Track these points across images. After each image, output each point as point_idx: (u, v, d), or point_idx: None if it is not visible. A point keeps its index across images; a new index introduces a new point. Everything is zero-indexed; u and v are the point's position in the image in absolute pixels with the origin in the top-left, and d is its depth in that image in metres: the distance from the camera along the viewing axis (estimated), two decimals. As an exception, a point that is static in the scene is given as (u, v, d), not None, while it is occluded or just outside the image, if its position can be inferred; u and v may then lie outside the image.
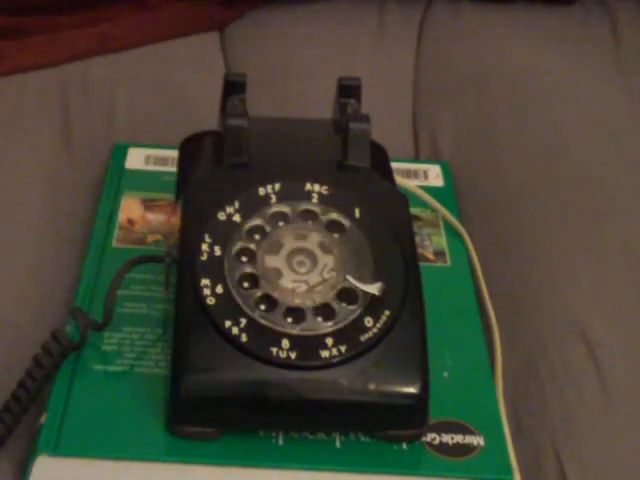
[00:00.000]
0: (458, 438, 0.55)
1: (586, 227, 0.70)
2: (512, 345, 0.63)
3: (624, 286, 0.66)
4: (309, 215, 0.57)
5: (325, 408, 0.53)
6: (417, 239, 0.65)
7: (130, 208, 0.69)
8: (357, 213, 0.57)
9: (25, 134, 0.76)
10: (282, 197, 0.57)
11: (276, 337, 0.53)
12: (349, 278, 0.54)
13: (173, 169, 0.65)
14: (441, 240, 0.68)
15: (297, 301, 0.54)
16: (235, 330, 0.53)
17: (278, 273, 0.55)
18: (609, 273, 0.67)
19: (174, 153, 0.66)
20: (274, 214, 0.57)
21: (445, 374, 0.58)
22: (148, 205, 0.69)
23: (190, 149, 0.64)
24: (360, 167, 0.60)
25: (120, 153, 0.74)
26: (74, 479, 0.52)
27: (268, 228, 0.56)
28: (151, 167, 0.73)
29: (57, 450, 0.53)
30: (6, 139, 0.75)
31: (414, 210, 0.69)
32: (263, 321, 0.53)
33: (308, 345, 0.53)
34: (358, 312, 0.54)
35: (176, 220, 0.59)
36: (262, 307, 0.54)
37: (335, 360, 0.52)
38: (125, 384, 0.56)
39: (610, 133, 0.79)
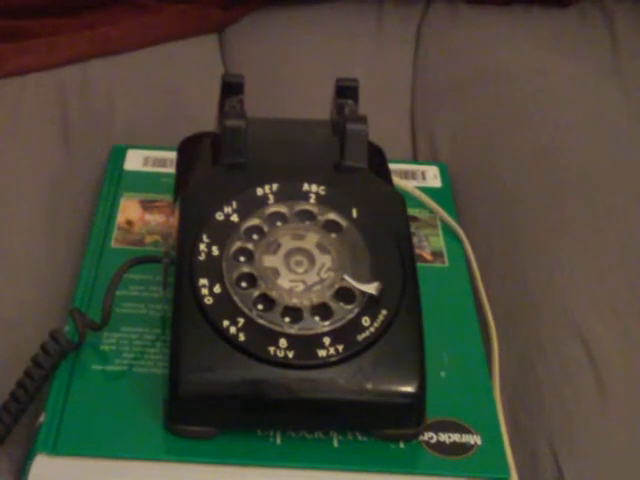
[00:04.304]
0: (455, 437, 0.55)
1: (584, 227, 0.70)
2: (509, 345, 0.63)
3: (621, 286, 0.66)
4: (307, 215, 0.57)
5: (322, 407, 0.53)
6: (415, 240, 0.65)
7: (129, 209, 0.69)
8: (354, 213, 0.57)
9: (24, 136, 0.76)
10: (280, 197, 0.57)
11: (274, 336, 0.53)
12: (346, 278, 0.54)
13: (171, 170, 0.65)
14: (439, 241, 0.68)
15: (295, 301, 0.54)
16: (233, 329, 0.53)
17: (276, 273, 0.55)
18: (606, 273, 0.67)
19: (172, 154, 0.66)
20: (272, 214, 0.57)
21: (442, 373, 0.58)
22: (147, 206, 0.69)
23: (188, 150, 0.64)
24: (357, 167, 0.60)
25: (119, 154, 0.74)
26: (72, 478, 0.53)
27: (266, 228, 0.57)
28: (149, 168, 0.73)
29: (56, 449, 0.53)
30: (5, 141, 0.76)
31: (412, 211, 0.69)
32: (261, 320, 0.53)
33: (305, 344, 0.53)
34: (355, 311, 0.54)
35: (174, 221, 0.59)
36: (260, 307, 0.54)
37: (332, 359, 0.52)
38: (123, 384, 0.56)
39: (608, 134, 0.79)
